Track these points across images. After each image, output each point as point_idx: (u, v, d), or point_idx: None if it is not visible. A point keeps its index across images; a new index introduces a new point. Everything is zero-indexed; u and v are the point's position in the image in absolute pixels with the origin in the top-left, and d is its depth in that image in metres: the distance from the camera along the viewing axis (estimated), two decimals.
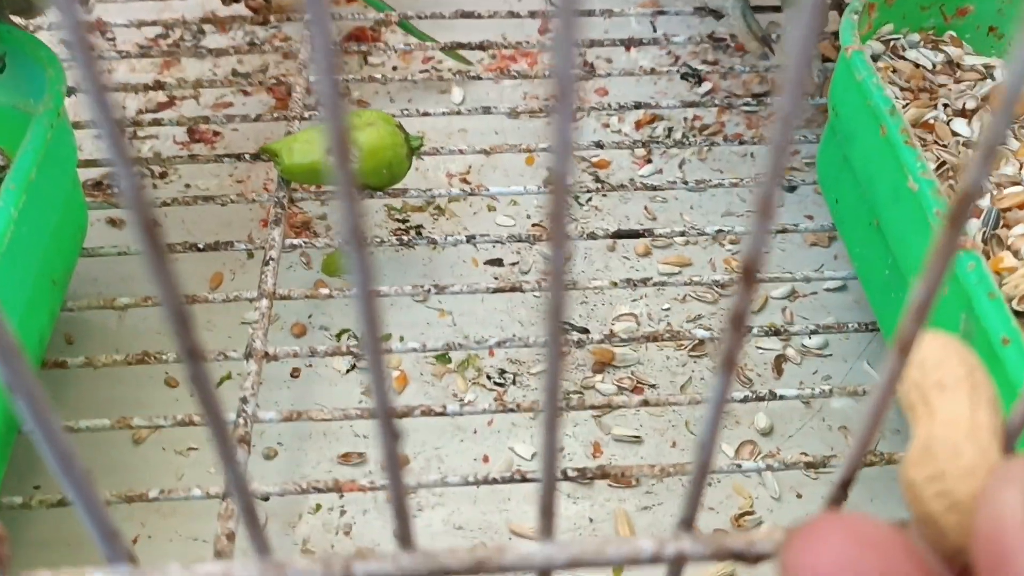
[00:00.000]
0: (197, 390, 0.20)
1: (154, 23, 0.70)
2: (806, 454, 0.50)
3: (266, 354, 0.49)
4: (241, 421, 0.45)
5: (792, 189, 0.63)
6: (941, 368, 0.19)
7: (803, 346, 0.55)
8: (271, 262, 0.52)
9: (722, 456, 0.50)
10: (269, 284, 0.51)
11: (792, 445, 0.51)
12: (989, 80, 0.54)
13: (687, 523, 0.24)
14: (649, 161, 0.65)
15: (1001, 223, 0.47)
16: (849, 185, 0.51)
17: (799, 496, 0.49)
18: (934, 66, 0.54)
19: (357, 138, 0.54)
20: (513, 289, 0.52)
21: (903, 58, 0.55)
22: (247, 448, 0.45)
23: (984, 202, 0.48)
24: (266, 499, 0.49)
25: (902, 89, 0.53)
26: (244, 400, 0.46)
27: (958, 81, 0.54)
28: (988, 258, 0.45)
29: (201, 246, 0.54)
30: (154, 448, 0.51)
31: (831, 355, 0.55)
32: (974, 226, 0.46)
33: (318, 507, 0.49)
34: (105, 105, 0.13)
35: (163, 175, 0.66)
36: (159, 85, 0.65)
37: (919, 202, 0.43)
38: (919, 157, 0.44)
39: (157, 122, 0.62)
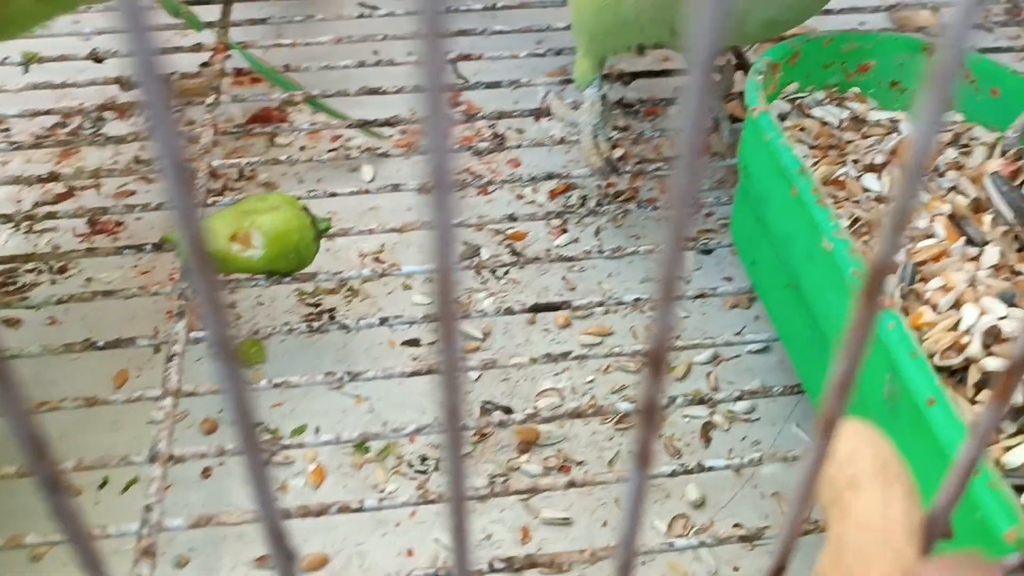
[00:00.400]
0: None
1: (49, 112, 0.67)
2: (740, 526, 0.49)
3: (171, 456, 0.46)
4: (145, 532, 0.42)
5: (708, 252, 0.63)
6: (854, 463, 0.18)
7: (730, 411, 0.54)
8: (175, 358, 0.50)
9: (654, 533, 0.48)
10: (173, 382, 0.48)
11: (725, 515, 0.50)
12: (895, 134, 0.54)
13: None
14: (565, 231, 0.65)
15: (918, 277, 0.47)
16: (764, 247, 0.51)
17: (736, 569, 0.48)
18: (840, 123, 0.55)
19: (261, 223, 0.52)
20: (430, 371, 0.50)
21: (810, 116, 0.55)
22: (151, 561, 0.42)
23: (900, 256, 0.48)
24: None
25: (811, 147, 0.53)
26: (148, 508, 0.43)
27: (865, 136, 0.54)
28: (907, 314, 0.45)
29: (101, 344, 0.51)
30: (54, 566, 0.48)
31: (759, 419, 0.54)
32: (892, 282, 0.46)
33: None
34: None
35: (62, 270, 0.63)
36: (54, 177, 0.62)
37: (835, 262, 0.42)
38: (832, 216, 0.44)
39: (53, 215, 0.59)
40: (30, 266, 0.62)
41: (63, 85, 0.69)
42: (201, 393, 0.49)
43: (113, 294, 0.54)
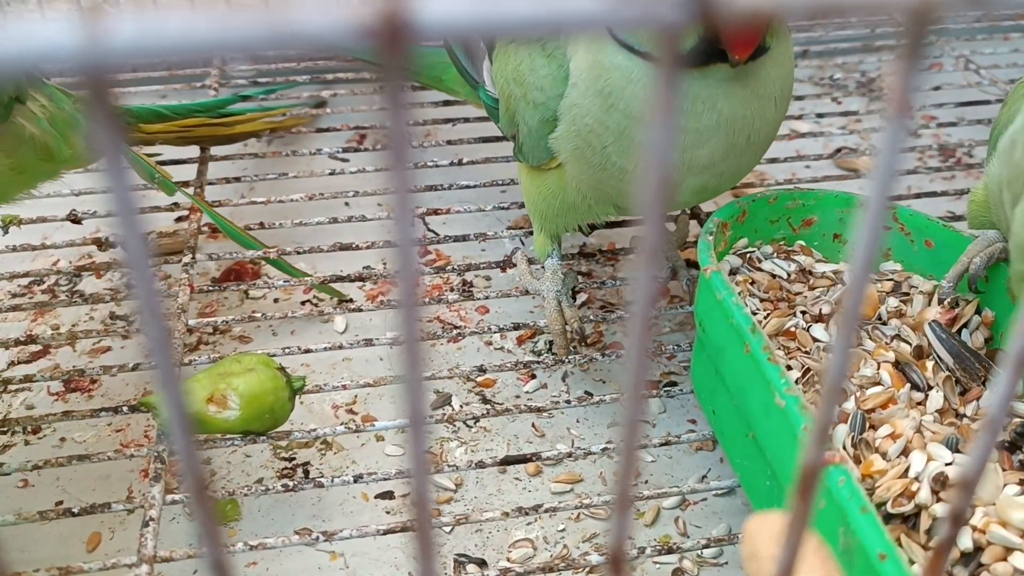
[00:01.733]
0: None
1: (26, 274, 0.69)
2: None
3: None
4: None
5: (672, 395, 0.65)
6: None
7: (699, 556, 0.55)
8: (151, 523, 0.50)
9: None
10: (149, 548, 0.49)
11: None
12: (840, 284, 0.57)
13: None
14: (533, 376, 0.67)
15: (867, 425, 0.49)
16: (723, 397, 0.53)
17: None
18: (789, 275, 0.58)
19: (237, 385, 0.54)
20: (404, 529, 0.51)
21: (760, 269, 0.58)
22: None
23: (849, 404, 0.50)
24: None
25: (761, 300, 0.56)
26: None
27: (812, 288, 0.57)
28: (859, 462, 0.47)
29: (76, 511, 0.52)
30: None
31: (727, 563, 0.55)
32: (842, 432, 0.48)
33: None
34: None
35: (36, 431, 0.63)
36: (31, 338, 0.64)
37: (788, 418, 0.44)
38: (782, 374, 0.46)
39: (29, 378, 0.61)
40: (3, 429, 0.63)
41: (41, 246, 0.71)
42: (178, 559, 0.50)
43: (88, 457, 0.55)
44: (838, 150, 0.88)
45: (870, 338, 0.54)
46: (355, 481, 0.54)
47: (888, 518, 0.45)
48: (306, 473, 0.60)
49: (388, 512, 0.58)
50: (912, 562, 0.44)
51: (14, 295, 0.73)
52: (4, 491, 0.59)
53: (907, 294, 0.56)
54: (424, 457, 0.19)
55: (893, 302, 0.56)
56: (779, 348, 0.53)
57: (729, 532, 0.56)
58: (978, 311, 0.54)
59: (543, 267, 0.64)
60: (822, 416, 0.21)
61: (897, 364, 0.52)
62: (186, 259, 0.67)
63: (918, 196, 0.76)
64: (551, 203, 0.61)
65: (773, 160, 0.80)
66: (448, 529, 0.56)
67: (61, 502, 0.59)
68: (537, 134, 0.57)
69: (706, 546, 0.51)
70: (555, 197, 0.60)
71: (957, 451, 0.47)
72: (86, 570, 0.50)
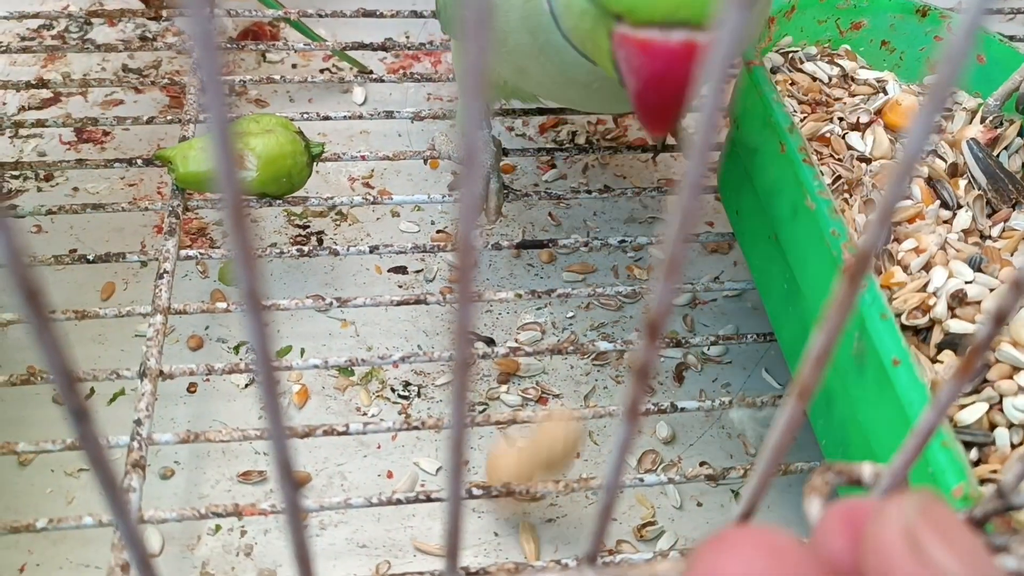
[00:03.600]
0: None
1: (36, 16, 0.66)
2: (706, 463, 0.51)
3: (161, 372, 0.47)
4: (135, 445, 0.44)
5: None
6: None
7: (704, 354, 0.56)
8: (165, 275, 0.50)
9: (625, 467, 0.50)
10: (164, 299, 0.49)
11: (693, 453, 0.52)
12: (881, 94, 0.55)
13: (591, 558, 0.24)
14: (553, 166, 0.65)
15: (892, 237, 0.48)
16: (749, 198, 0.52)
17: (699, 504, 0.50)
18: (830, 79, 0.55)
19: (255, 146, 0.53)
20: (418, 302, 0.51)
21: (800, 71, 0.55)
22: (142, 473, 0.43)
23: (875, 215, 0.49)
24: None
25: (800, 102, 0.54)
26: (138, 423, 0.45)
27: (852, 95, 0.55)
28: (880, 273, 0.47)
29: (91, 258, 0.52)
30: (41, 470, 0.49)
31: (731, 362, 0.56)
32: None
33: (217, 528, 0.48)
34: None
35: (48, 178, 0.63)
36: (43, 83, 0.62)
37: (816, 221, 0.44)
38: (816, 176, 0.45)
39: (41, 123, 0.59)
40: (15, 173, 0.62)
41: None
42: (191, 312, 0.50)
43: (101, 208, 0.55)
44: None
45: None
46: (370, 252, 0.54)
47: (901, 329, 0.45)
48: (320, 241, 0.60)
49: (400, 286, 0.58)
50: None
51: (23, 38, 0.71)
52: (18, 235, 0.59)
53: (949, 109, 0.55)
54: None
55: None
56: (813, 153, 0.52)
57: (737, 331, 0.57)
58: (1021, 133, 0.53)
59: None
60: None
61: (930, 180, 0.51)
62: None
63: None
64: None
65: None
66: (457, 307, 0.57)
67: (75, 250, 0.59)
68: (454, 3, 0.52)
69: (714, 343, 0.52)
70: None
71: (979, 271, 0.47)
72: (102, 315, 0.50)
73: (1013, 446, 0.42)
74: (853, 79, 0.56)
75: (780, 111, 0.47)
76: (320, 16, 0.67)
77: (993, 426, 0.43)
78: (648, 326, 0.23)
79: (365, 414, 0.52)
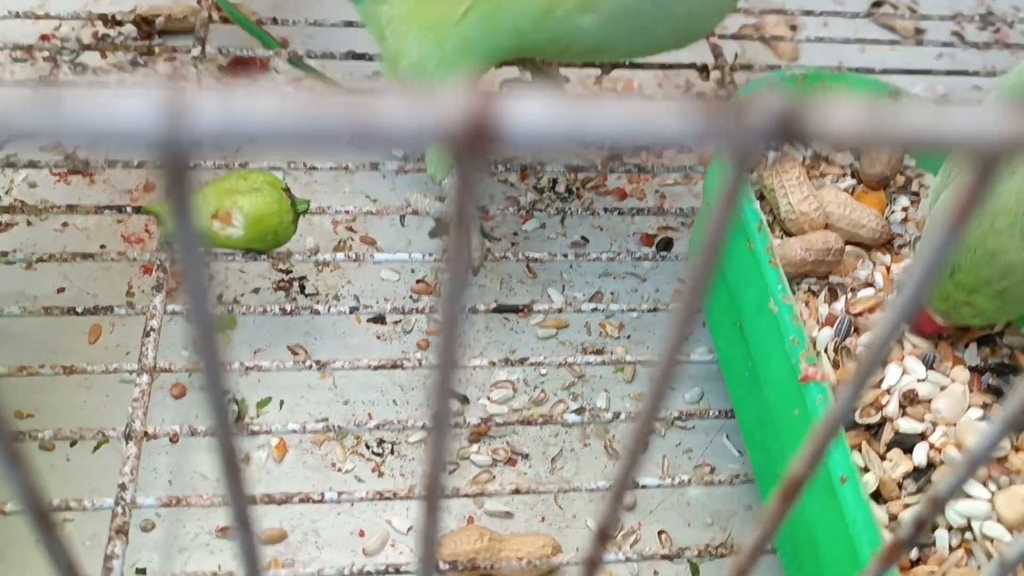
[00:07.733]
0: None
1: (28, 48, 0.67)
2: (664, 532, 0.53)
3: (146, 434, 0.49)
4: (120, 510, 0.46)
5: (668, 247, 0.66)
6: None
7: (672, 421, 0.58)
8: (152, 333, 0.52)
9: (587, 532, 0.53)
10: (150, 358, 0.51)
11: (652, 521, 0.54)
12: (849, 177, 0.57)
13: None
14: (532, 216, 0.67)
15: (852, 329, 0.50)
16: (719, 281, 0.54)
17: (656, 573, 0.53)
18: (803, 159, 0.57)
19: (243, 205, 0.54)
20: (394, 366, 0.53)
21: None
22: (125, 539, 0.45)
23: (839, 306, 0.51)
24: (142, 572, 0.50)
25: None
26: (123, 487, 0.47)
27: (823, 175, 0.57)
28: (837, 368, 0.49)
29: (80, 311, 0.53)
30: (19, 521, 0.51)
31: (693, 427, 0.58)
32: (826, 336, 0.49)
33: None
34: None
35: (38, 212, 0.64)
36: None
37: (777, 324, 0.46)
38: (781, 279, 0.47)
39: (34, 163, 0.60)
40: (5, 205, 0.63)
41: (46, 16, 0.68)
42: (176, 370, 0.52)
43: (91, 256, 0.56)
44: (877, 3, 0.85)
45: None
46: (351, 312, 0.56)
47: (853, 425, 0.48)
48: (302, 288, 0.62)
49: (379, 337, 0.60)
50: (867, 469, 0.46)
51: (15, 59, 0.71)
52: (8, 274, 0.60)
53: (916, 193, 0.57)
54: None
55: (903, 201, 0.56)
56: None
57: (702, 396, 0.59)
58: None
59: (443, 190, 0.61)
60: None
61: (889, 269, 0.53)
62: (195, 52, 0.66)
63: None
64: None
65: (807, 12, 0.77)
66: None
67: (63, 288, 0.60)
68: None
69: (677, 418, 0.54)
70: None
71: (931, 368, 0.49)
72: (89, 371, 0.52)
73: (951, 548, 0.45)
74: (827, 160, 0.58)
75: (750, 207, 0.49)
76: (310, 57, 0.69)
77: (934, 528, 0.45)
78: (599, 532, 0.25)
79: (340, 470, 0.54)
